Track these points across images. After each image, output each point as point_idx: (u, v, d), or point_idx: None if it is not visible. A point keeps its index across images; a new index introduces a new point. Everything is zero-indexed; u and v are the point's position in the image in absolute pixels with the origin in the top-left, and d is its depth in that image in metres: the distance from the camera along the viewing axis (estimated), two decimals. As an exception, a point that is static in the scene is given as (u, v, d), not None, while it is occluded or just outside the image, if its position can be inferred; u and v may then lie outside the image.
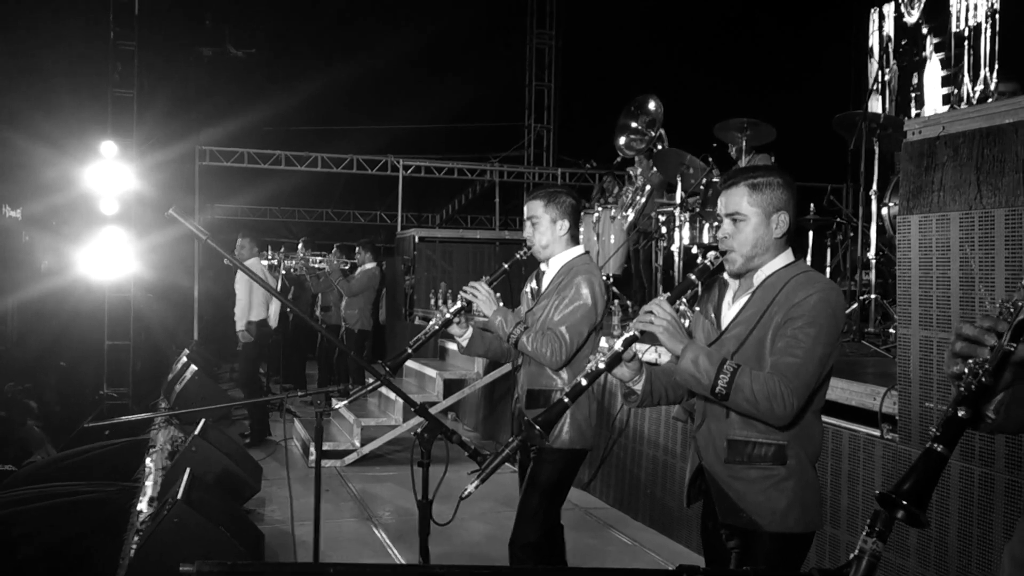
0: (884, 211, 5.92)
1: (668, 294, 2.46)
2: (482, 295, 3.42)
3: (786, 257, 2.54)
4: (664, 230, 7.31)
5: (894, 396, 3.73)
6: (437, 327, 3.45)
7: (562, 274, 3.49)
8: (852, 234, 7.20)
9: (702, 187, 6.99)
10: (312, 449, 7.30)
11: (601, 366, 2.41)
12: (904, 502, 1.36)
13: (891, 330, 5.43)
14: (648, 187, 8.08)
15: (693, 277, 2.51)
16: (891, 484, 3.57)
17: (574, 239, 3.58)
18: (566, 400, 2.37)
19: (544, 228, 3.51)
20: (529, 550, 3.35)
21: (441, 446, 2.74)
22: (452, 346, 9.12)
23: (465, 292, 3.43)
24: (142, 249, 10.53)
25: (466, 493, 2.30)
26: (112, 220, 9.99)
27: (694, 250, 7.00)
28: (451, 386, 8.13)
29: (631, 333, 2.42)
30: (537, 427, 2.32)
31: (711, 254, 2.55)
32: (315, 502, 3.45)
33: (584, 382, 2.40)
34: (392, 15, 15.35)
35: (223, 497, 4.98)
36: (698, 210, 6.99)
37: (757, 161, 7.07)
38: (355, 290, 9.99)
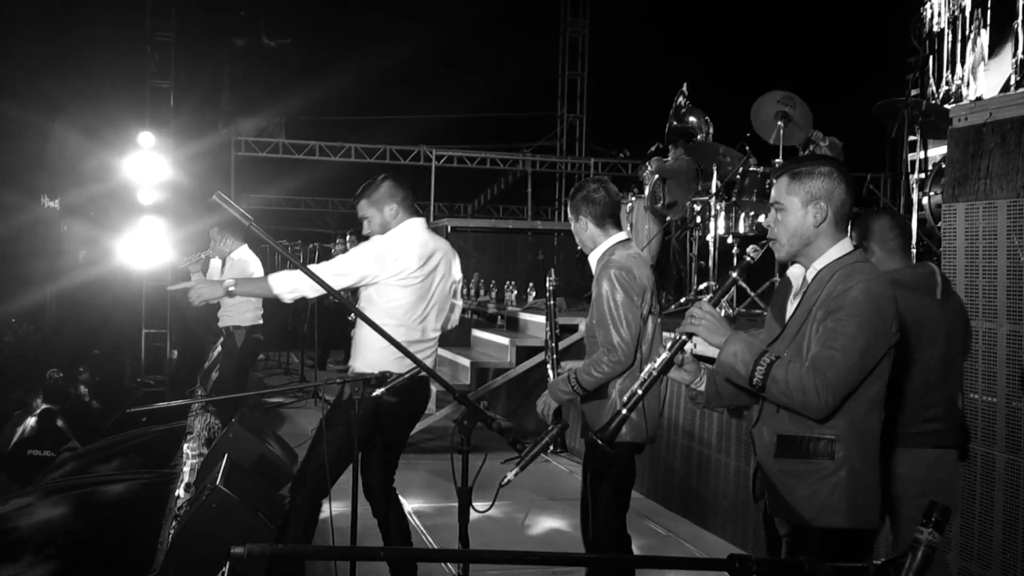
0: (925, 200, 5.82)
1: (711, 295, 2.52)
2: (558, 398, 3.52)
3: (841, 248, 2.51)
4: (699, 219, 7.24)
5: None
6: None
7: (597, 272, 3.52)
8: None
9: (738, 176, 6.92)
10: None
11: (655, 372, 2.51)
12: None
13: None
14: (655, 176, 7.89)
15: (735, 275, 2.60)
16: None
17: (601, 228, 3.56)
18: (624, 412, 2.48)
19: (579, 228, 3.58)
20: (611, 539, 3.43)
21: (478, 435, 2.73)
22: (481, 334, 9.13)
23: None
24: (179, 238, 10.64)
25: (506, 480, 2.30)
26: (149, 210, 10.10)
27: (729, 240, 6.94)
28: (482, 374, 8.13)
29: (679, 338, 2.50)
30: (600, 442, 2.41)
31: (750, 248, 2.60)
32: (352, 488, 3.47)
33: (640, 391, 2.49)
34: (425, 4, 15.34)
35: (260, 483, 5.02)
36: (734, 199, 6.92)
37: (825, 146, 6.95)
38: None
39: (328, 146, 15.22)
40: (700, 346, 2.53)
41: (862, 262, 2.52)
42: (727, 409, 5.26)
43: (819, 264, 2.51)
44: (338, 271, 3.79)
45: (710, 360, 2.53)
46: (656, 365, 2.50)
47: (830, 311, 2.39)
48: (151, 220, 10.08)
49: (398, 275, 3.79)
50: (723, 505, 5.32)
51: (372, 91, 15.47)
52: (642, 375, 2.51)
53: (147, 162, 10.06)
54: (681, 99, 7.95)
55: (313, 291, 3.81)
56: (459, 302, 4.33)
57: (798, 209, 2.50)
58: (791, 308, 2.59)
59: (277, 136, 15.30)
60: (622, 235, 3.59)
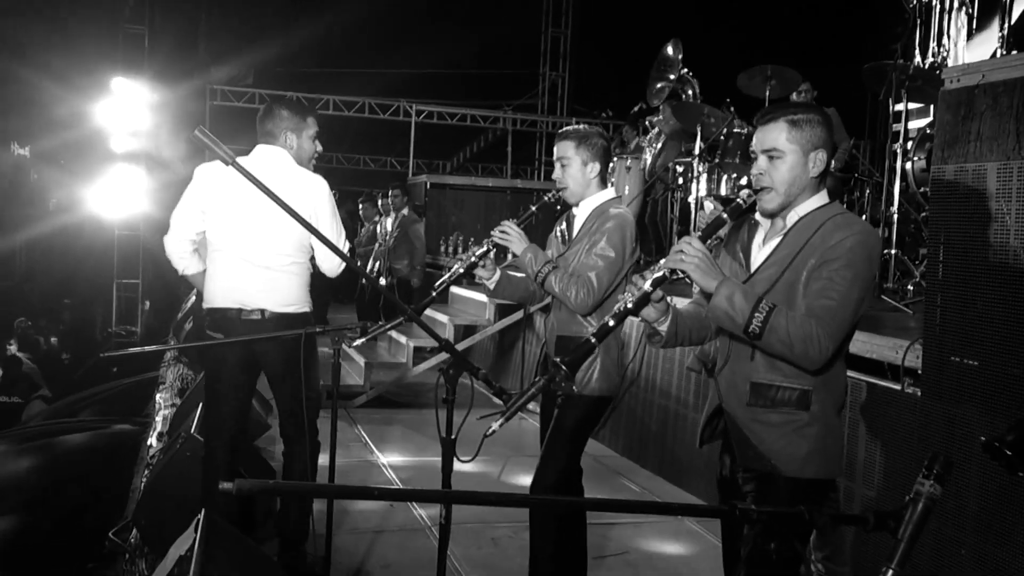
0: (908, 166, 5.81)
1: (700, 232, 2.40)
2: (512, 234, 3.36)
3: (821, 198, 2.48)
4: (681, 181, 7.21)
5: (917, 350, 3.68)
6: (462, 270, 3.39)
7: (593, 218, 3.41)
8: (868, 191, 7.12)
9: (722, 137, 6.88)
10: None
11: (629, 306, 2.35)
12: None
13: (909, 286, 5.38)
14: (663, 136, 7.95)
15: (725, 215, 2.44)
16: (913, 438, 3.53)
17: (604, 182, 3.51)
18: (593, 341, 2.30)
19: (575, 170, 3.42)
20: (548, 492, 3.34)
21: (457, 394, 2.67)
22: (460, 292, 9.08)
23: (494, 234, 3.37)
24: (152, 187, 10.45)
25: (491, 431, 2.25)
26: (122, 158, 9.91)
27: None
28: (461, 332, 8.11)
29: (661, 273, 2.35)
30: (564, 368, 2.25)
31: (743, 192, 2.47)
32: (331, 438, 3.45)
33: (612, 323, 2.33)
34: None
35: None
36: (716, 161, 6.89)
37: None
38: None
39: (306, 98, 14.97)
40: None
41: (848, 212, 2.49)
42: (704, 367, 5.27)
43: (802, 210, 2.46)
44: (179, 223, 3.81)
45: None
46: (632, 298, 2.35)
47: (825, 260, 2.34)
48: (124, 168, 9.90)
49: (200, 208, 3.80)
50: (697, 464, 5.35)
51: (353, 43, 15.22)
52: (616, 307, 2.36)
53: (120, 109, 9.85)
54: (670, 50, 7.86)
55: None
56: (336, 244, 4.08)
57: (799, 157, 2.42)
58: (762, 252, 2.52)
59: (248, 85, 15.00)
60: (613, 192, 3.54)
